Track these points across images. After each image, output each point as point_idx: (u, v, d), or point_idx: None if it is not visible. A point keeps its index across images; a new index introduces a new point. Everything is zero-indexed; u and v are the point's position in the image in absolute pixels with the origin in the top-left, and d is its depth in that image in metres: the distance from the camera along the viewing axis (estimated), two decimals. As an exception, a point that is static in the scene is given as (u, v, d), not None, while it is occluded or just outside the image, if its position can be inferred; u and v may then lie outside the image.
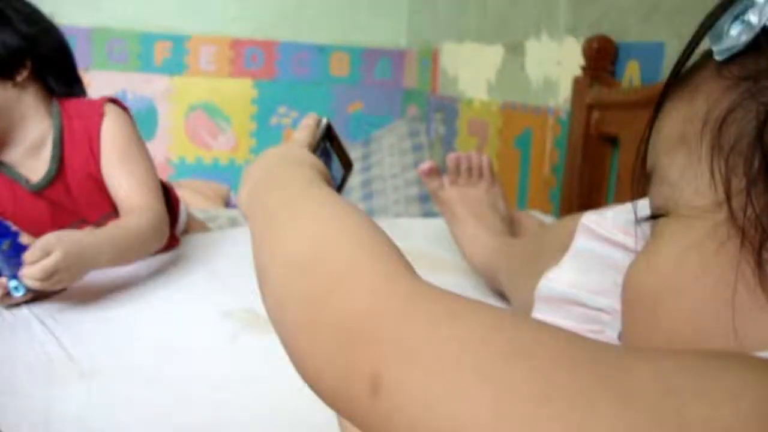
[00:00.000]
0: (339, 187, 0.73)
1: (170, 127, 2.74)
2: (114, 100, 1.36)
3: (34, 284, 1.02)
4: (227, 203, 2.49)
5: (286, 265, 0.44)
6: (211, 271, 1.31)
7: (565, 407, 0.28)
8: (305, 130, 0.70)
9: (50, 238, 1.05)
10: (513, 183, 2.09)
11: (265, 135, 2.82)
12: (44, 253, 1.02)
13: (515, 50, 2.13)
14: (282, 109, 2.83)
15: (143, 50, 2.70)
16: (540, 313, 0.58)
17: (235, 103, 2.78)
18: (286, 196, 0.52)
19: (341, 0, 2.83)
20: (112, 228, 1.19)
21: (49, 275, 1.02)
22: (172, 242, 1.43)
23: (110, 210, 1.33)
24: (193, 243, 1.46)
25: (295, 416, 0.85)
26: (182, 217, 1.58)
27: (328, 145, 0.72)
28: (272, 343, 1.02)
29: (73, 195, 1.32)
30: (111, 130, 1.31)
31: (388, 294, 0.36)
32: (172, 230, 1.45)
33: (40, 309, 1.12)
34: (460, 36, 2.50)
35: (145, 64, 2.70)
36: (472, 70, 2.43)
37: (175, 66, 2.72)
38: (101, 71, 2.66)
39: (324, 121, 0.72)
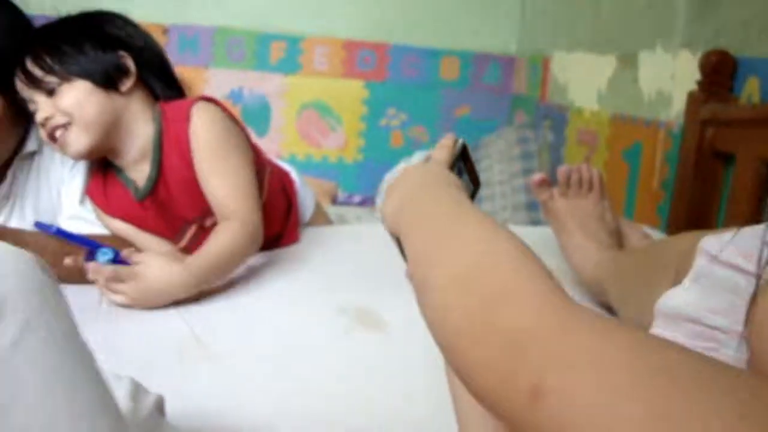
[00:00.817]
0: None
1: (282, 125, 2.83)
2: (207, 99, 1.37)
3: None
4: (334, 200, 2.56)
5: (448, 278, 0.48)
6: (328, 266, 1.36)
7: (703, 427, 0.30)
8: (444, 149, 0.75)
9: (133, 281, 1.15)
10: (620, 195, 2.08)
11: (374, 135, 2.88)
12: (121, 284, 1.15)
13: (628, 62, 2.12)
14: (391, 111, 2.88)
15: (260, 49, 2.80)
16: (659, 329, 0.60)
17: (346, 103, 2.85)
18: (441, 215, 0.56)
19: (453, 5, 2.87)
20: (198, 257, 1.22)
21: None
22: (293, 237, 1.48)
23: (208, 208, 1.34)
24: (312, 236, 1.51)
25: (402, 407, 0.90)
26: (308, 207, 1.61)
27: (462, 165, 0.77)
28: (382, 339, 1.08)
29: (174, 197, 1.36)
30: (198, 135, 1.31)
31: (551, 310, 0.40)
32: (292, 224, 1.50)
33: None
34: (572, 45, 2.50)
35: (260, 62, 2.80)
36: (582, 79, 2.43)
37: (290, 65, 2.81)
38: (220, 69, 2.77)
39: (460, 141, 0.77)
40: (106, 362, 0.63)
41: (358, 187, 2.83)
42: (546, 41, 2.71)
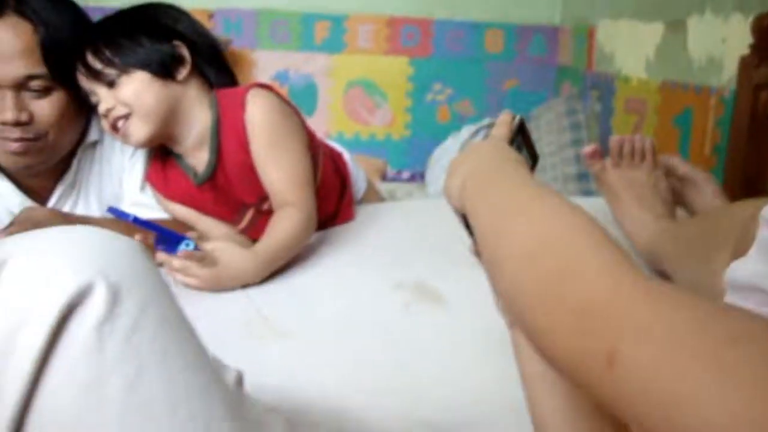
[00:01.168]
0: None
1: (329, 104, 2.86)
2: (261, 85, 1.39)
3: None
4: (384, 177, 2.58)
5: (519, 252, 0.50)
6: (384, 242, 1.39)
7: None
8: (503, 126, 0.77)
9: (209, 268, 1.19)
10: (671, 163, 2.07)
11: (421, 111, 2.89)
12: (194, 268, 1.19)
13: (676, 27, 2.09)
14: (437, 86, 2.89)
15: (304, 30, 2.82)
16: (729, 299, 0.61)
17: (392, 80, 2.86)
18: (509, 191, 0.58)
19: (496, -23, 2.85)
20: (264, 244, 1.25)
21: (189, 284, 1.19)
22: (347, 215, 1.51)
23: (265, 192, 1.37)
24: (366, 213, 1.54)
25: (465, 377, 0.93)
26: (360, 186, 1.64)
27: (520, 140, 0.79)
28: (443, 312, 1.10)
29: (232, 182, 1.39)
30: (254, 123, 1.33)
31: (623, 280, 0.41)
32: (347, 202, 1.53)
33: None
34: (617, 13, 2.47)
35: (305, 43, 2.82)
36: (629, 47, 2.40)
37: (334, 45, 2.83)
38: (266, 51, 2.80)
39: (518, 117, 0.79)
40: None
41: (407, 163, 2.85)
42: (590, 10, 2.68)
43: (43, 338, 0.49)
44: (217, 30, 2.71)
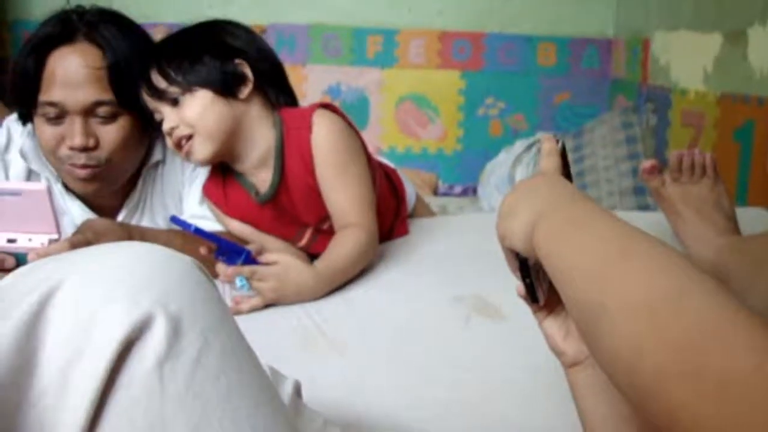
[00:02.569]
0: None
1: (381, 118, 2.87)
2: (327, 106, 1.40)
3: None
4: (435, 191, 2.57)
5: (633, 308, 0.44)
6: (439, 256, 1.38)
7: None
8: (553, 156, 0.72)
9: (273, 281, 1.19)
10: (731, 177, 2.02)
11: (473, 125, 2.88)
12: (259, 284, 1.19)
13: (736, 38, 2.05)
14: (489, 100, 2.88)
15: (356, 44, 2.84)
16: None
17: (443, 94, 2.86)
18: (604, 234, 0.53)
19: (547, -10, 2.84)
20: (326, 261, 1.26)
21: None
22: (402, 230, 1.51)
23: (327, 213, 1.37)
24: (420, 227, 1.53)
25: (528, 393, 0.91)
26: (410, 200, 1.63)
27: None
28: (504, 327, 1.09)
29: (294, 202, 1.39)
30: (320, 144, 1.33)
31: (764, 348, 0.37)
32: (401, 219, 1.53)
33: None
34: (673, 24, 2.43)
35: (357, 57, 2.84)
36: (686, 59, 2.36)
37: (386, 59, 2.84)
38: (317, 65, 2.82)
39: (560, 142, 0.75)
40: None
41: (458, 177, 2.84)
42: (644, 22, 2.64)
43: (101, 377, 0.45)
44: (270, 45, 2.73)
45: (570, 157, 0.80)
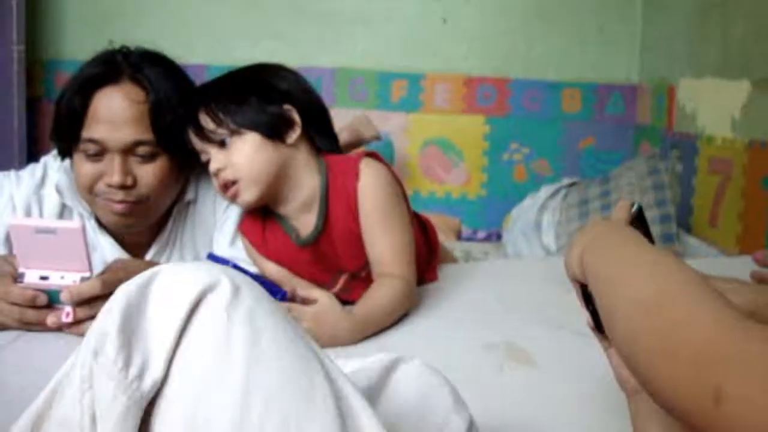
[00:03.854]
0: None
1: (405, 162, 2.87)
2: (372, 155, 1.41)
3: None
4: (459, 236, 2.56)
5: (633, 305, 0.55)
6: (470, 303, 1.37)
7: None
8: (623, 210, 0.78)
9: (309, 321, 1.17)
10: (760, 226, 2.01)
11: (497, 170, 2.88)
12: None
13: (765, 85, 2.05)
14: (514, 145, 2.88)
15: (381, 88, 2.86)
16: None
17: (468, 139, 2.87)
18: (626, 253, 0.63)
19: (572, 36, 2.85)
20: (363, 308, 1.25)
21: None
22: (432, 276, 1.49)
23: (366, 260, 1.38)
24: (449, 274, 1.53)
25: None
26: None
27: (638, 226, 0.78)
28: (537, 374, 1.07)
29: (335, 248, 1.39)
30: (366, 193, 1.34)
31: (729, 325, 0.46)
32: (432, 267, 1.52)
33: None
34: (699, 71, 2.44)
35: (383, 101, 2.86)
36: (713, 106, 2.36)
37: (411, 103, 2.86)
38: (343, 108, 2.83)
39: (636, 205, 0.79)
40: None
41: (482, 222, 2.83)
42: (670, 68, 2.65)
43: (185, 310, 0.62)
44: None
45: (647, 220, 0.82)
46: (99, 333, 0.63)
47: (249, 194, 1.32)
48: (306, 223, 1.38)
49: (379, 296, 1.27)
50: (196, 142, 1.33)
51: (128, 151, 1.30)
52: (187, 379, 0.61)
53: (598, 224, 0.73)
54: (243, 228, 1.43)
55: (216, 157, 1.31)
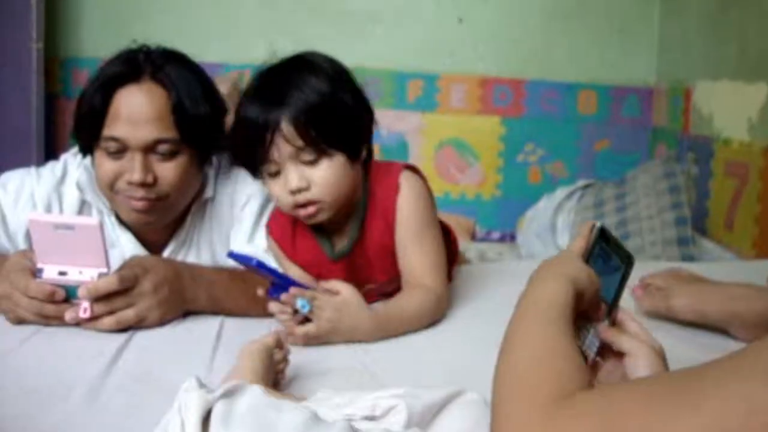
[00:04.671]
0: (622, 279, 0.85)
1: (420, 162, 2.87)
2: (410, 167, 1.38)
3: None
4: (473, 237, 2.56)
5: (507, 361, 0.67)
6: (486, 303, 1.37)
7: None
8: (581, 238, 0.82)
9: (330, 311, 1.17)
10: (778, 228, 2.00)
11: (512, 171, 2.88)
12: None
13: (782, 89, 2.04)
14: (529, 146, 2.88)
15: (397, 88, 2.86)
16: None
17: (483, 140, 2.87)
18: (528, 318, 0.72)
19: (589, 38, 2.85)
20: (388, 308, 1.25)
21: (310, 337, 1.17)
22: (448, 279, 1.49)
23: (397, 275, 1.35)
24: (468, 274, 1.53)
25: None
26: None
27: (605, 246, 0.84)
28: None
29: (369, 261, 1.36)
30: (405, 208, 1.31)
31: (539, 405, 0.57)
32: (451, 269, 1.51)
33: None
34: (716, 74, 2.43)
35: (398, 101, 2.86)
36: (730, 108, 2.35)
37: (427, 103, 2.86)
38: (358, 108, 2.83)
39: (597, 226, 0.83)
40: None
41: (496, 223, 2.83)
42: (686, 71, 2.64)
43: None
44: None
45: (612, 234, 0.86)
46: None
47: (326, 215, 1.28)
48: (341, 235, 1.36)
49: (407, 301, 1.26)
50: (276, 155, 1.23)
51: (149, 149, 1.30)
52: None
53: (546, 266, 0.78)
54: (273, 233, 1.40)
55: (297, 174, 1.23)
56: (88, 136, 1.33)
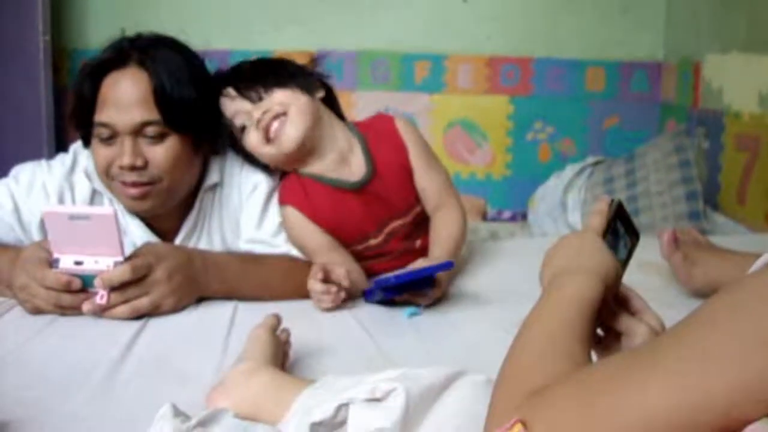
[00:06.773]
0: (627, 257, 0.83)
1: (429, 143, 2.86)
2: None
3: None
4: (484, 217, 2.56)
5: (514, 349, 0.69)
6: (498, 282, 1.38)
7: None
8: (598, 215, 0.79)
9: None
10: (789, 200, 1.99)
11: (521, 150, 2.87)
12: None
13: (792, 61, 2.03)
14: (538, 124, 2.87)
15: (404, 70, 2.85)
16: None
17: (492, 119, 2.86)
18: (552, 302, 0.72)
19: (595, 14, 2.83)
20: (439, 248, 1.41)
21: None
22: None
23: (416, 204, 1.48)
24: (480, 252, 1.54)
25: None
26: None
27: (618, 224, 0.82)
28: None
29: (388, 188, 1.46)
30: (408, 130, 1.50)
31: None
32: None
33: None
34: (725, 46, 2.41)
35: (406, 83, 2.85)
36: (740, 81, 2.34)
37: (434, 84, 2.85)
38: (366, 91, 2.84)
39: (615, 201, 0.81)
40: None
41: (507, 202, 2.83)
42: (695, 45, 2.62)
43: None
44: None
45: (627, 210, 0.84)
46: None
47: (295, 130, 1.39)
48: (351, 172, 1.45)
49: (449, 231, 1.45)
50: (229, 105, 1.41)
51: (137, 132, 1.32)
52: None
53: (568, 244, 0.77)
54: (284, 198, 1.45)
55: (257, 108, 1.39)
56: (82, 125, 1.36)
